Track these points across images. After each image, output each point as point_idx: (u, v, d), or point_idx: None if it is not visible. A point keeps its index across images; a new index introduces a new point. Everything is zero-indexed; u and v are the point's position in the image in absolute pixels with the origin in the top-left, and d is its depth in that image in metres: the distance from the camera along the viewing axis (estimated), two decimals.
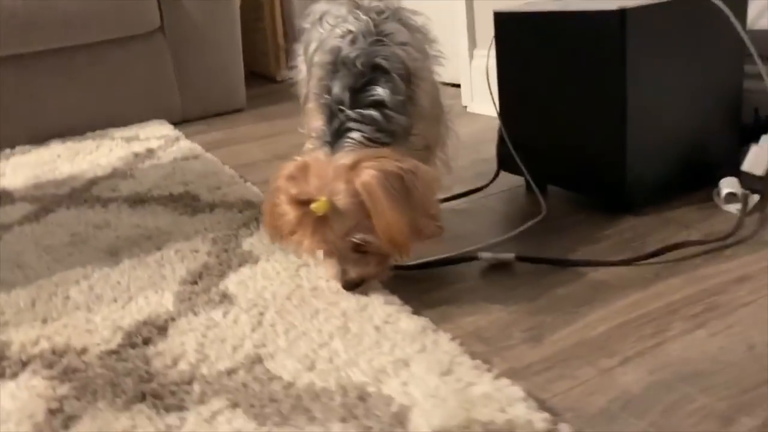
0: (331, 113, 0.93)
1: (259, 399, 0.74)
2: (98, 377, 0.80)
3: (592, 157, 1.15)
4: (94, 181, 1.67)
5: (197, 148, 1.91)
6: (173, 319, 0.93)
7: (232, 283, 1.02)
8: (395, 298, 0.93)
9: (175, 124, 2.35)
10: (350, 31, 0.96)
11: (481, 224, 1.22)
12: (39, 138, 2.23)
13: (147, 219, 1.36)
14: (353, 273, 0.91)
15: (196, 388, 0.77)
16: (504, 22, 1.26)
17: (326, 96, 0.94)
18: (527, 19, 1.21)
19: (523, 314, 0.89)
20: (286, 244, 0.93)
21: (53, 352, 0.87)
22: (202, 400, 0.75)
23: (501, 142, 1.33)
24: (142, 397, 0.76)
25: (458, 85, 2.21)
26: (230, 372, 0.80)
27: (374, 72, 0.93)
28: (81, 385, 0.79)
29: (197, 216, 1.34)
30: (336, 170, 0.86)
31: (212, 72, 2.45)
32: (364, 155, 0.87)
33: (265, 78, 3.15)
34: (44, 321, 0.97)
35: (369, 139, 0.90)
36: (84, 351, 0.87)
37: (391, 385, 0.74)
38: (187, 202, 1.43)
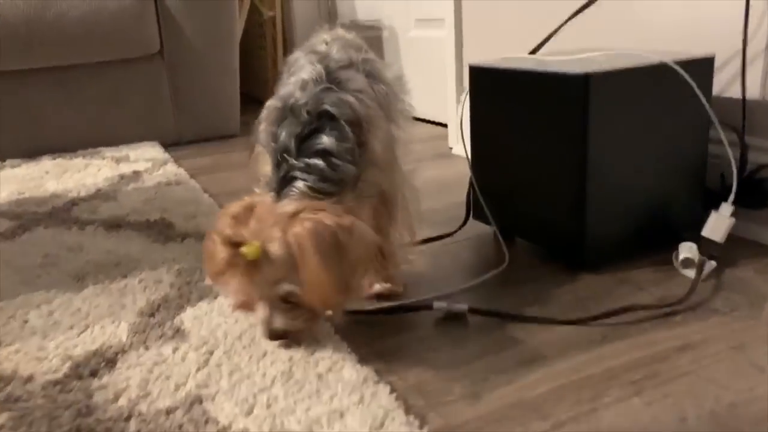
0: (278, 161, 0.94)
1: None
2: (38, 408, 0.81)
3: (553, 212, 1.17)
4: (75, 202, 1.70)
5: (182, 174, 1.94)
6: (124, 352, 0.95)
7: (188, 318, 1.04)
8: (344, 345, 0.94)
9: (168, 146, 2.38)
10: (303, 79, 0.97)
11: (445, 270, 1.23)
12: (31, 152, 2.27)
13: (120, 245, 1.38)
14: (279, 323, 0.90)
15: (132, 426, 0.78)
16: (478, 75, 1.29)
17: (272, 144, 0.96)
18: (500, 74, 1.23)
19: (467, 369, 0.90)
20: (217, 284, 0.93)
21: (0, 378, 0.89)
22: None
23: (471, 190, 1.35)
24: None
25: (443, 124, 2.24)
26: (169, 411, 0.81)
27: (321, 119, 0.94)
28: (19, 416, 0.80)
29: (168, 245, 1.36)
30: (277, 217, 0.86)
31: (208, 97, 2.49)
32: (306, 206, 0.88)
33: (263, 104, 3.18)
34: None
35: (313, 189, 0.91)
36: (30, 379, 0.88)
37: None
38: (161, 230, 1.45)
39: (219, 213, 0.91)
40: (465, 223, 1.36)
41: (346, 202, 0.92)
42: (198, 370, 0.89)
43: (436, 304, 1.04)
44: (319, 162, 0.92)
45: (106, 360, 0.92)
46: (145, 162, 2.09)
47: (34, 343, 0.98)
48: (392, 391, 0.83)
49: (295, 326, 0.91)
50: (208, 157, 2.27)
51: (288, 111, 0.95)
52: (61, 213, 1.61)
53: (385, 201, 1.06)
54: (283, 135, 0.94)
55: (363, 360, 0.90)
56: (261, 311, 0.91)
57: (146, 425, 0.78)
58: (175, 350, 0.94)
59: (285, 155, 0.93)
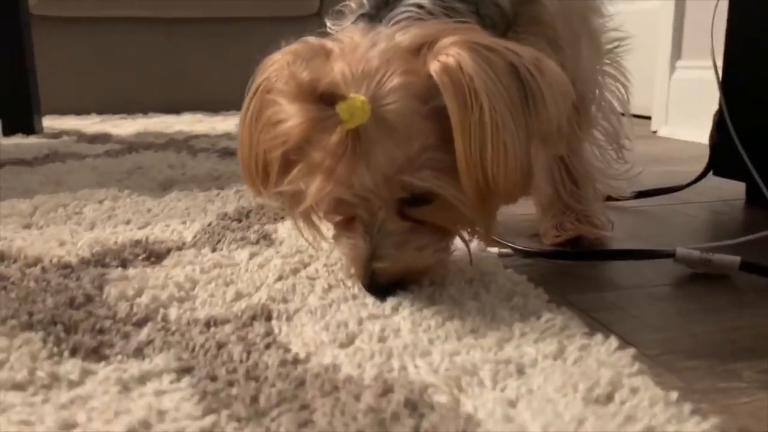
0: None
1: (229, 371, 0.39)
2: (15, 289, 0.50)
3: None
4: (196, 137, 1.45)
5: None
6: (179, 249, 0.62)
7: (285, 227, 0.69)
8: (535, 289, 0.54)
9: None
10: None
11: (675, 230, 0.80)
12: (174, 108, 2.10)
13: (227, 166, 1.08)
14: (392, 261, 0.50)
15: (144, 332, 0.44)
16: None
17: None
18: None
19: (751, 346, 0.48)
20: (270, 194, 0.52)
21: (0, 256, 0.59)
22: (140, 352, 0.42)
23: (718, 129, 0.91)
24: (50, 324, 0.44)
25: (644, 116, 1.79)
26: (212, 323, 0.46)
27: None
28: None
29: None
30: (386, 53, 0.48)
31: None
32: (442, 29, 0.49)
33: None
34: (26, 227, 0.70)
35: (447, 9, 0.52)
36: (36, 262, 0.57)
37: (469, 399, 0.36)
38: None
39: (265, 64, 0.52)
40: (704, 174, 0.91)
41: None
42: (279, 279, 0.54)
43: (681, 252, 0.62)
44: None
45: (148, 252, 0.60)
46: None
47: (67, 229, 0.68)
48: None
49: (421, 262, 0.51)
50: None
51: None
52: (178, 143, 1.36)
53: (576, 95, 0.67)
54: None
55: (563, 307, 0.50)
56: (354, 240, 0.50)
57: (166, 335, 0.44)
58: (253, 255, 0.60)
59: None
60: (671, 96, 1.64)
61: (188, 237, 0.66)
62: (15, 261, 0.57)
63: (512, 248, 0.67)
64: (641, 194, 0.89)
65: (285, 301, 0.50)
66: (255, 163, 0.51)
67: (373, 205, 0.49)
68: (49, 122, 1.76)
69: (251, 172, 0.52)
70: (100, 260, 0.57)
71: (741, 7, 0.90)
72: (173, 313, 0.47)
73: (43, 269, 0.55)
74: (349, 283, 0.53)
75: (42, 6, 1.95)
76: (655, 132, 1.68)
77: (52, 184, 0.94)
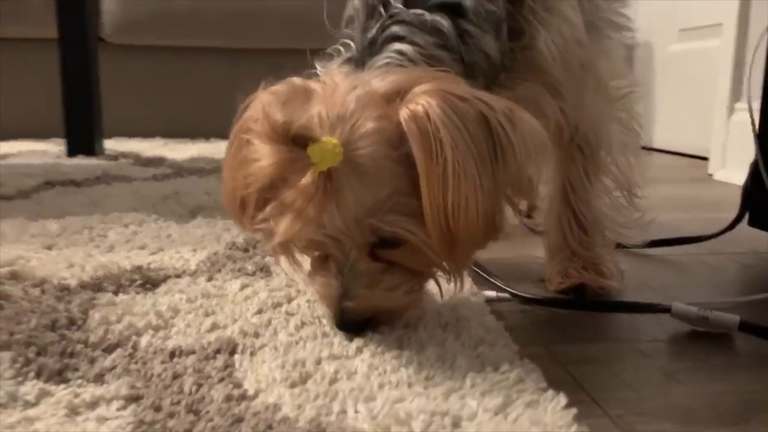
0: (370, 12, 0.56)
1: (173, 403, 0.41)
2: (9, 308, 0.53)
3: None
4: None
5: None
6: (178, 276, 0.64)
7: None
8: (508, 337, 0.54)
9: None
10: None
11: (694, 281, 0.77)
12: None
13: None
14: (361, 300, 0.50)
15: (109, 358, 0.46)
16: None
17: None
18: None
19: (729, 413, 0.45)
20: (251, 228, 0.53)
21: (12, 275, 0.63)
22: (101, 377, 0.44)
23: (753, 179, 0.87)
24: (24, 345, 0.46)
25: (701, 157, 1.73)
26: (177, 353, 0.47)
27: None
28: None
29: None
30: (362, 98, 0.48)
31: None
32: (418, 76, 0.50)
33: None
34: (48, 247, 0.74)
35: (428, 57, 0.53)
36: (41, 282, 0.61)
37: None
38: None
39: (248, 102, 0.53)
40: (736, 223, 0.87)
41: None
42: (258, 312, 0.55)
43: (679, 307, 0.59)
44: (442, 20, 0.54)
45: (147, 280, 0.62)
46: None
47: (83, 251, 0.72)
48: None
49: (390, 303, 0.51)
50: None
51: None
52: None
53: (581, 140, 0.67)
54: None
55: (541, 368, 0.49)
56: (326, 279, 0.51)
57: (129, 363, 0.46)
58: (243, 287, 0.62)
59: (385, 1, 0.55)
60: (729, 139, 1.58)
61: (192, 265, 0.68)
62: (23, 281, 0.61)
63: (508, 292, 0.66)
64: (661, 243, 0.86)
65: (256, 335, 0.51)
66: (234, 199, 0.53)
67: (344, 246, 0.50)
68: (114, 144, 1.86)
69: (232, 207, 0.54)
70: (97, 284, 0.60)
71: None
72: (144, 341, 0.49)
73: (43, 290, 0.58)
74: (324, 321, 0.54)
75: (117, 35, 2.07)
76: (710, 175, 1.62)
77: (91, 206, 0.99)
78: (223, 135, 2.25)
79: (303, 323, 0.53)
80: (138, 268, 0.65)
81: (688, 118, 2.00)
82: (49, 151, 1.71)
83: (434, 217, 0.46)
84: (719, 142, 1.62)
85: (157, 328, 0.51)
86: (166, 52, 2.15)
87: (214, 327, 0.52)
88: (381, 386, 0.43)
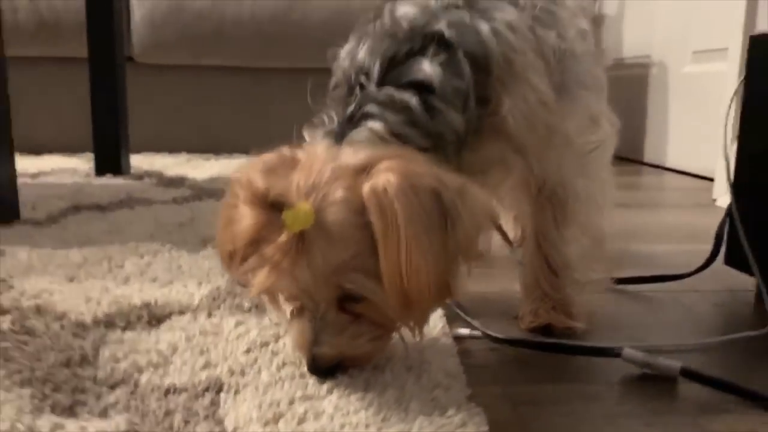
0: (348, 89, 0.63)
1: None
2: (30, 344, 0.61)
3: None
4: None
5: None
6: (181, 313, 0.72)
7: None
8: (465, 379, 0.60)
9: None
10: None
11: (663, 321, 0.82)
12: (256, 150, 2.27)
13: None
14: (330, 347, 0.57)
15: (113, 395, 0.54)
16: (764, 50, 0.88)
17: (345, 65, 0.65)
18: None
19: None
20: (237, 275, 0.61)
21: (37, 309, 0.71)
22: (105, 412, 0.51)
23: (728, 222, 0.92)
24: (43, 382, 0.54)
25: (707, 178, 1.76)
26: (171, 391, 0.55)
27: (428, 42, 0.63)
28: (5, 347, 0.60)
29: None
30: (336, 170, 0.55)
31: None
32: (384, 154, 0.56)
33: None
34: (71, 279, 0.83)
35: (395, 135, 0.60)
36: (61, 317, 0.69)
37: None
38: None
39: (241, 167, 0.60)
40: (708, 263, 0.92)
41: None
42: (247, 351, 0.63)
43: (628, 352, 0.65)
44: (410, 97, 0.60)
45: (153, 317, 0.70)
46: None
47: (101, 284, 0.81)
48: None
49: (356, 350, 0.58)
50: None
51: (384, 28, 0.65)
52: None
53: (549, 192, 0.74)
54: (363, 52, 0.64)
55: (493, 408, 0.56)
56: (301, 326, 0.58)
57: (130, 399, 0.53)
58: (237, 324, 0.69)
59: (361, 80, 0.62)
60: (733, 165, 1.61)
61: (195, 300, 0.76)
62: (46, 315, 0.69)
63: (479, 331, 0.72)
64: (637, 280, 0.91)
65: (242, 374, 0.58)
66: (224, 251, 0.60)
67: (315, 298, 0.57)
68: (141, 160, 1.96)
69: (223, 258, 0.61)
70: (110, 321, 0.68)
71: (757, 111, 0.91)
72: (144, 378, 0.57)
73: (62, 326, 0.66)
74: (300, 362, 0.61)
75: (145, 55, 2.18)
76: (714, 200, 1.65)
77: (113, 233, 1.08)
78: (245, 150, 2.34)
79: (284, 363, 0.60)
80: (146, 305, 0.72)
81: (700, 139, 2.03)
82: (79, 169, 1.81)
83: (390, 279, 0.53)
84: (723, 169, 1.64)
85: (156, 366, 0.59)
86: (191, 71, 2.25)
87: (206, 365, 0.60)
88: (342, 426, 0.50)
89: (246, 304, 0.75)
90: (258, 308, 0.74)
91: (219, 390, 0.55)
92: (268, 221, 0.54)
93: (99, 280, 0.83)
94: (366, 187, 0.54)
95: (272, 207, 0.54)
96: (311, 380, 0.57)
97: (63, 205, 1.28)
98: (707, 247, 0.93)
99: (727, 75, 1.75)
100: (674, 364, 0.63)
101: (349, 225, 0.54)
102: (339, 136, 0.62)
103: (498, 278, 0.95)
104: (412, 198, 0.52)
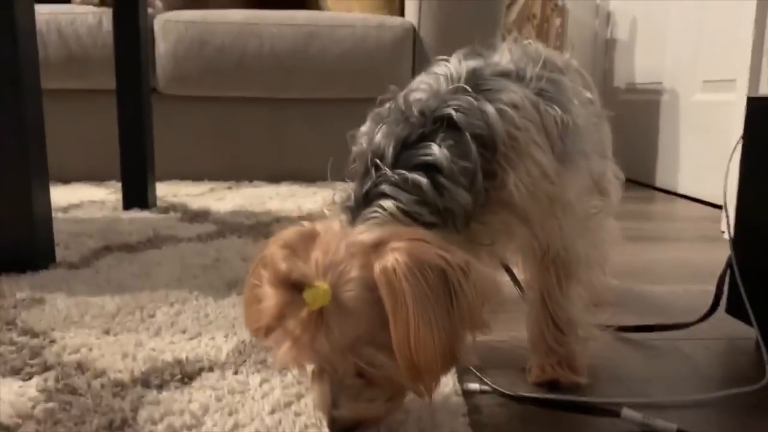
0: (365, 170, 0.69)
1: None
2: (76, 406, 0.67)
3: None
4: (280, 219, 1.64)
5: None
6: (211, 370, 0.78)
7: None
8: None
9: None
10: (434, 74, 0.73)
11: (665, 374, 0.87)
12: (275, 177, 2.33)
13: None
14: (347, 410, 0.63)
15: None
16: (760, 112, 0.92)
17: (363, 146, 0.71)
18: None
19: None
20: (263, 342, 0.67)
21: (78, 365, 0.77)
22: None
23: (728, 272, 0.96)
24: None
25: (717, 206, 1.79)
26: None
27: (437, 125, 0.68)
28: (52, 408, 0.66)
29: None
30: (351, 247, 0.61)
31: None
32: (395, 232, 0.62)
33: None
34: (106, 332, 0.89)
35: (405, 213, 0.65)
36: (101, 374, 0.75)
37: None
38: None
39: (265, 242, 0.65)
40: (710, 313, 0.96)
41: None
42: (272, 411, 0.68)
43: (626, 413, 0.70)
44: (421, 178, 0.66)
45: (185, 374, 0.76)
46: None
47: (134, 338, 0.86)
48: None
49: (370, 413, 0.64)
50: None
51: (397, 111, 0.71)
52: (262, 227, 1.56)
53: (553, 255, 0.78)
54: (379, 136, 0.69)
55: None
56: (321, 390, 0.64)
57: None
58: (262, 382, 0.75)
59: (377, 162, 0.68)
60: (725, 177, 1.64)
61: (222, 355, 0.82)
62: (86, 371, 0.75)
63: (488, 386, 0.77)
64: (637, 329, 0.96)
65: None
66: (252, 326, 0.66)
67: (331, 366, 0.62)
68: (165, 190, 2.04)
69: (252, 332, 0.67)
70: (145, 379, 0.74)
71: (755, 170, 0.95)
72: None
73: (102, 385, 0.72)
74: (320, 423, 0.66)
75: (169, 87, 2.26)
76: (723, 232, 1.68)
77: (143, 277, 1.14)
78: (265, 178, 2.47)
79: (306, 426, 0.66)
80: (178, 362, 0.78)
81: (709, 167, 2.06)
82: (107, 201, 1.89)
83: (401, 351, 0.58)
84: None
85: (190, 428, 0.64)
86: (213, 102, 2.32)
87: (235, 426, 0.65)
88: None
89: (270, 360, 0.80)
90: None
91: None
92: (290, 300, 0.60)
93: (133, 333, 0.89)
94: (377, 267, 0.59)
95: (294, 287, 0.60)
96: None
97: (94, 245, 1.35)
98: (710, 288, 0.97)
99: (735, 106, 1.79)
100: (670, 426, 0.67)
101: (363, 301, 0.60)
102: (355, 212, 0.67)
103: (507, 324, 0.99)
104: (418, 277, 0.58)
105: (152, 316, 0.95)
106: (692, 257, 1.49)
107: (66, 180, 2.26)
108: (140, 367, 0.77)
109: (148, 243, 1.39)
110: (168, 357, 0.80)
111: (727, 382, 0.82)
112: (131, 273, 1.17)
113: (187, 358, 0.80)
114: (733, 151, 0.99)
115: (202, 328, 0.91)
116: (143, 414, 0.67)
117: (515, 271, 0.97)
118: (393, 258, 0.59)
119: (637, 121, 2.58)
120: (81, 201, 1.89)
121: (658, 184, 2.46)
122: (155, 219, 1.65)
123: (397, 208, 0.65)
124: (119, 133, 1.77)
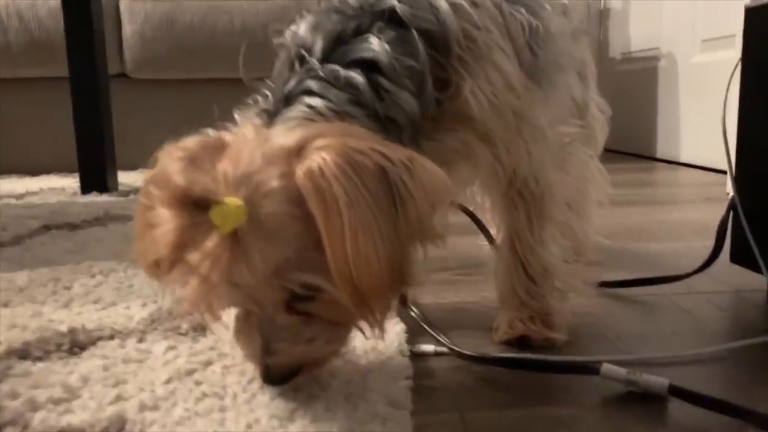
0: (289, 66, 0.56)
1: None
2: None
3: None
4: None
5: None
6: (111, 338, 0.65)
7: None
8: (426, 405, 0.52)
9: None
10: None
11: (659, 329, 0.73)
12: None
13: None
14: (283, 355, 0.50)
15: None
16: (762, 18, 0.79)
17: (288, 41, 0.58)
18: None
19: None
20: (165, 283, 0.50)
21: None
22: None
23: (731, 216, 0.83)
24: None
25: (722, 171, 1.65)
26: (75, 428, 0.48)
27: (377, 18, 0.56)
28: None
29: None
30: (269, 154, 0.48)
31: None
32: (321, 130, 0.49)
33: None
34: (5, 304, 0.76)
35: (336, 114, 0.52)
36: None
37: None
38: None
39: (158, 155, 0.52)
40: (710, 262, 0.83)
41: None
42: (167, 381, 0.55)
43: (607, 369, 0.57)
44: (357, 76, 0.53)
45: (75, 344, 0.63)
46: None
47: (34, 309, 0.74)
48: None
49: (313, 354, 0.52)
50: None
51: (332, 7, 0.58)
52: None
53: (521, 186, 0.65)
54: (304, 27, 0.57)
55: (449, 428, 0.48)
56: (248, 336, 0.52)
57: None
58: (167, 350, 0.62)
59: (302, 54, 0.55)
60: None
61: (133, 323, 0.69)
62: None
63: (446, 346, 0.64)
64: (631, 282, 0.82)
65: (155, 408, 0.51)
66: (147, 261, 0.52)
67: (257, 301, 0.49)
68: (135, 177, 1.91)
69: (146, 269, 0.53)
70: (24, 351, 0.61)
71: (756, 92, 0.82)
72: (38, 417, 0.49)
73: None
74: (227, 391, 0.53)
75: (138, 70, 2.14)
76: (728, 194, 1.54)
77: (76, 253, 1.02)
78: None
79: (204, 395, 0.53)
80: (72, 331, 0.65)
81: (712, 130, 1.92)
82: (68, 188, 1.77)
83: (339, 272, 0.45)
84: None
85: (57, 402, 0.52)
86: (186, 85, 2.20)
87: (116, 399, 0.52)
88: None
89: (184, 326, 0.67)
90: (197, 330, 0.67)
91: (120, 429, 0.48)
92: (192, 223, 0.46)
93: (37, 304, 0.76)
94: (299, 171, 0.46)
95: (196, 206, 0.46)
96: (228, 414, 0.50)
97: (34, 225, 1.23)
98: (709, 243, 0.83)
99: (735, 61, 1.65)
100: (661, 380, 0.54)
101: (288, 216, 0.46)
102: (273, 116, 0.54)
103: (482, 285, 0.87)
104: (352, 177, 0.45)
105: (68, 288, 0.83)
106: (695, 217, 1.35)
107: (34, 172, 2.14)
108: (25, 338, 0.64)
109: (94, 221, 1.26)
110: (64, 328, 0.67)
111: (733, 336, 0.68)
112: (65, 249, 1.05)
113: (83, 326, 0.67)
114: (729, 82, 0.86)
115: (121, 298, 0.78)
116: (4, 387, 0.54)
117: (483, 219, 0.84)
118: (319, 158, 0.46)
119: (634, 92, 2.44)
120: (41, 188, 1.77)
121: (660, 155, 2.32)
122: (111, 201, 1.52)
123: (326, 107, 0.52)
124: (74, 121, 1.66)
